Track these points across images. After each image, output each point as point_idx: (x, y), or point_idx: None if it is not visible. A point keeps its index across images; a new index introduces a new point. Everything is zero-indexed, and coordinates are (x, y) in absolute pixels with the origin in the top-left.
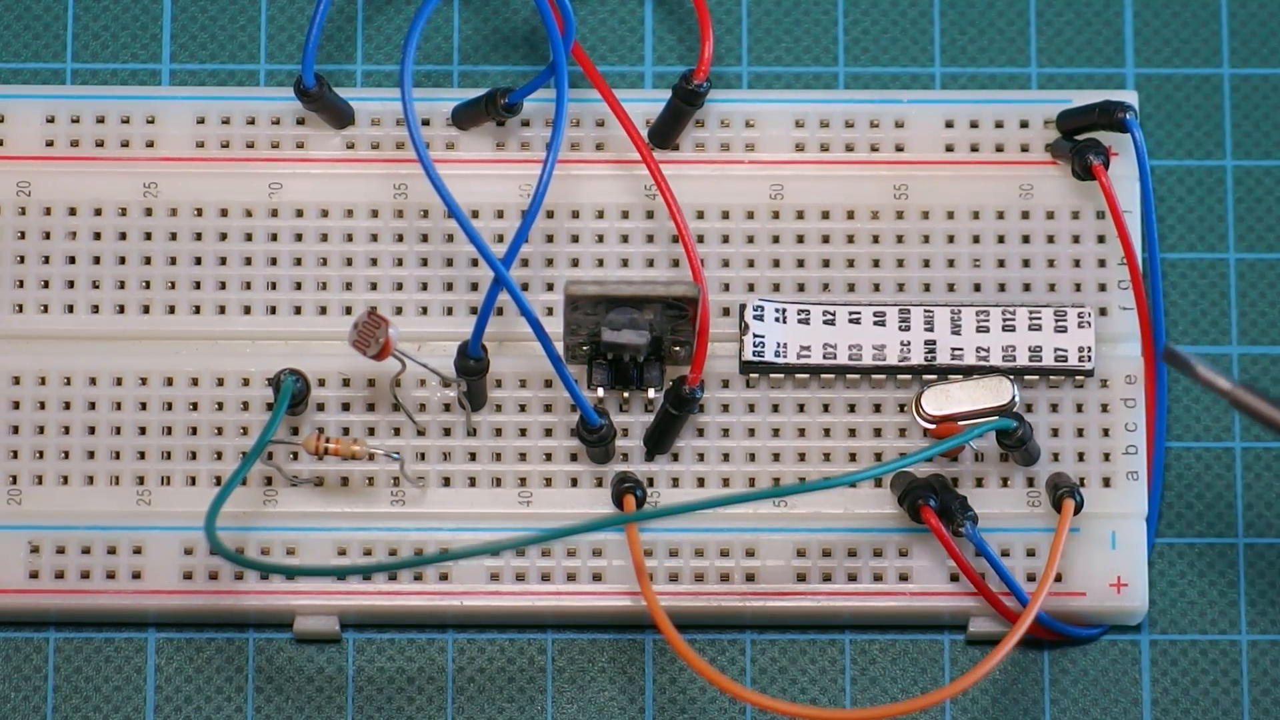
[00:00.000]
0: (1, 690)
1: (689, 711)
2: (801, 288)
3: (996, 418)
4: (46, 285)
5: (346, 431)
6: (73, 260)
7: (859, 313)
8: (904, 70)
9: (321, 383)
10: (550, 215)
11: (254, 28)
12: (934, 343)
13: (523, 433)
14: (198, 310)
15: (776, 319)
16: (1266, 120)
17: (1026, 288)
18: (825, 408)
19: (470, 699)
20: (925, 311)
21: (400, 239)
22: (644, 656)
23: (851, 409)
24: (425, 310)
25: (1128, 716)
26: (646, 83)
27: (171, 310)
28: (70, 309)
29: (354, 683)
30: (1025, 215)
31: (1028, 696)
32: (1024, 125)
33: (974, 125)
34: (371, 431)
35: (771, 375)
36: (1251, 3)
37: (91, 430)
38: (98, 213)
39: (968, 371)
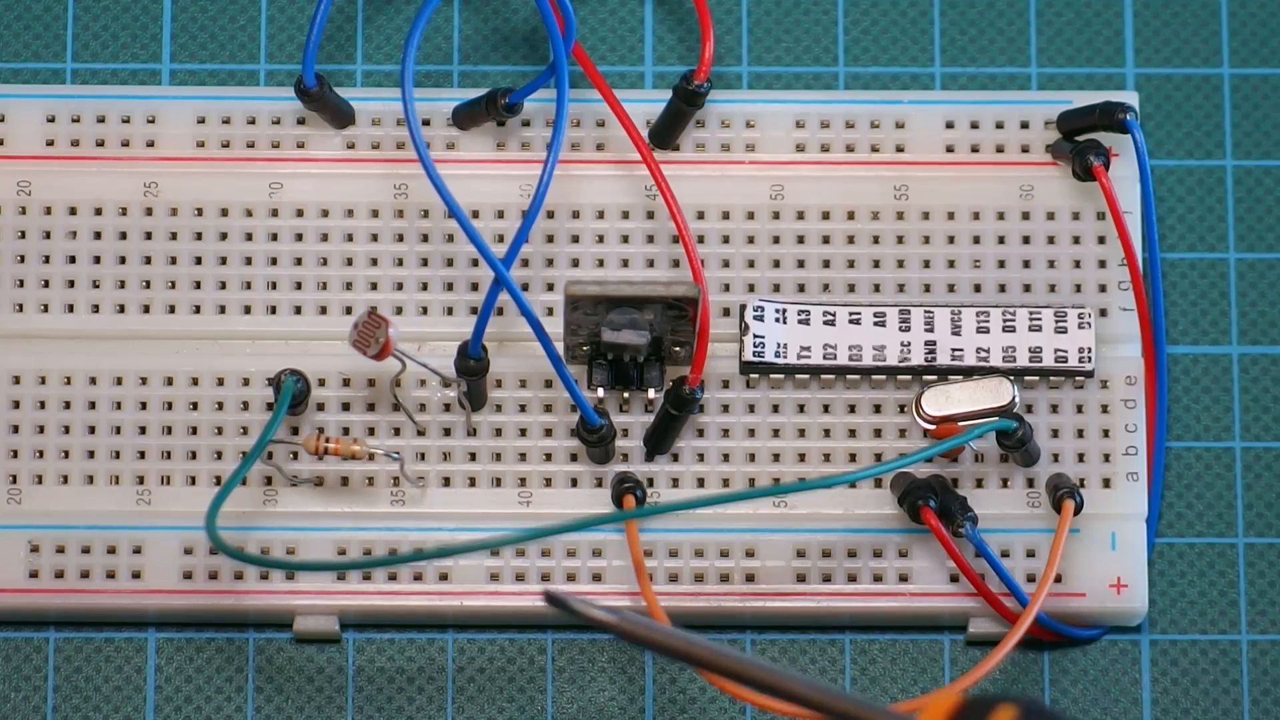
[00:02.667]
0: (1, 690)
1: (689, 711)
2: (802, 288)
3: (996, 418)
4: (47, 285)
5: (346, 431)
6: (73, 260)
7: (859, 313)
8: (904, 70)
9: (322, 383)
10: (550, 215)
11: (254, 28)
12: (934, 343)
13: (523, 433)
14: (198, 310)
15: (777, 319)
16: (1266, 120)
17: (1027, 288)
18: (825, 408)
19: (470, 699)
20: (925, 312)
21: (400, 239)
22: (644, 656)
23: (852, 409)
24: (425, 310)
25: (1128, 716)
26: (646, 83)
27: (172, 310)
28: (70, 308)
29: (354, 683)
30: (1025, 216)
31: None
32: (1024, 126)
33: (974, 126)
34: (371, 431)
35: (772, 376)
36: (1251, 3)
37: (91, 430)
38: (98, 212)
39: (968, 372)
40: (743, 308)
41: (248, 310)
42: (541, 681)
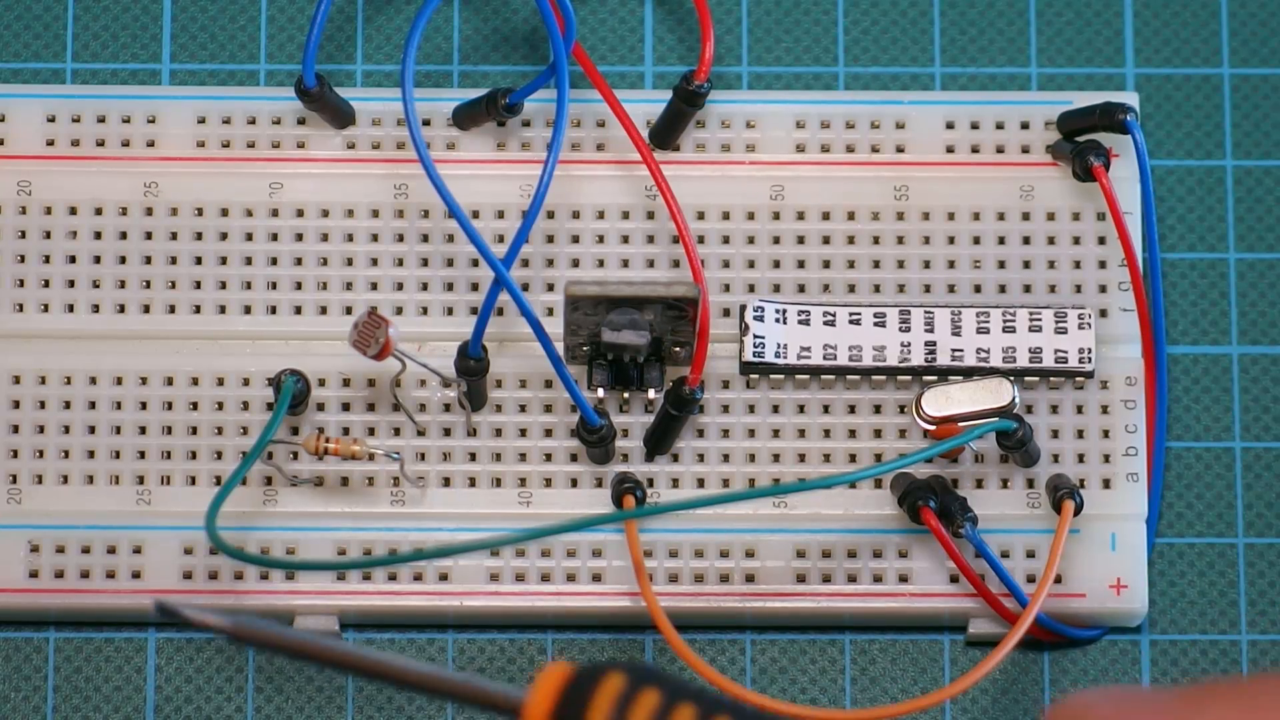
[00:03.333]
0: (1, 690)
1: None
2: (802, 289)
3: (996, 419)
4: (47, 284)
5: (346, 431)
6: (73, 260)
7: (859, 314)
8: (904, 70)
9: (322, 383)
10: (551, 215)
11: (254, 28)
12: (934, 344)
13: (523, 433)
14: (198, 310)
15: (777, 320)
16: (1266, 120)
17: (1027, 289)
18: (825, 409)
19: None
20: (925, 313)
21: (401, 239)
22: (644, 656)
23: (852, 410)
24: (425, 310)
25: None
26: (647, 83)
27: (172, 310)
28: (71, 308)
29: (354, 682)
30: (1026, 216)
31: (1028, 696)
32: (1025, 126)
33: (975, 126)
34: (371, 431)
35: (772, 376)
36: (1251, 3)
37: (91, 430)
38: (98, 212)
39: (968, 373)
40: (743, 308)
41: (248, 310)
42: None
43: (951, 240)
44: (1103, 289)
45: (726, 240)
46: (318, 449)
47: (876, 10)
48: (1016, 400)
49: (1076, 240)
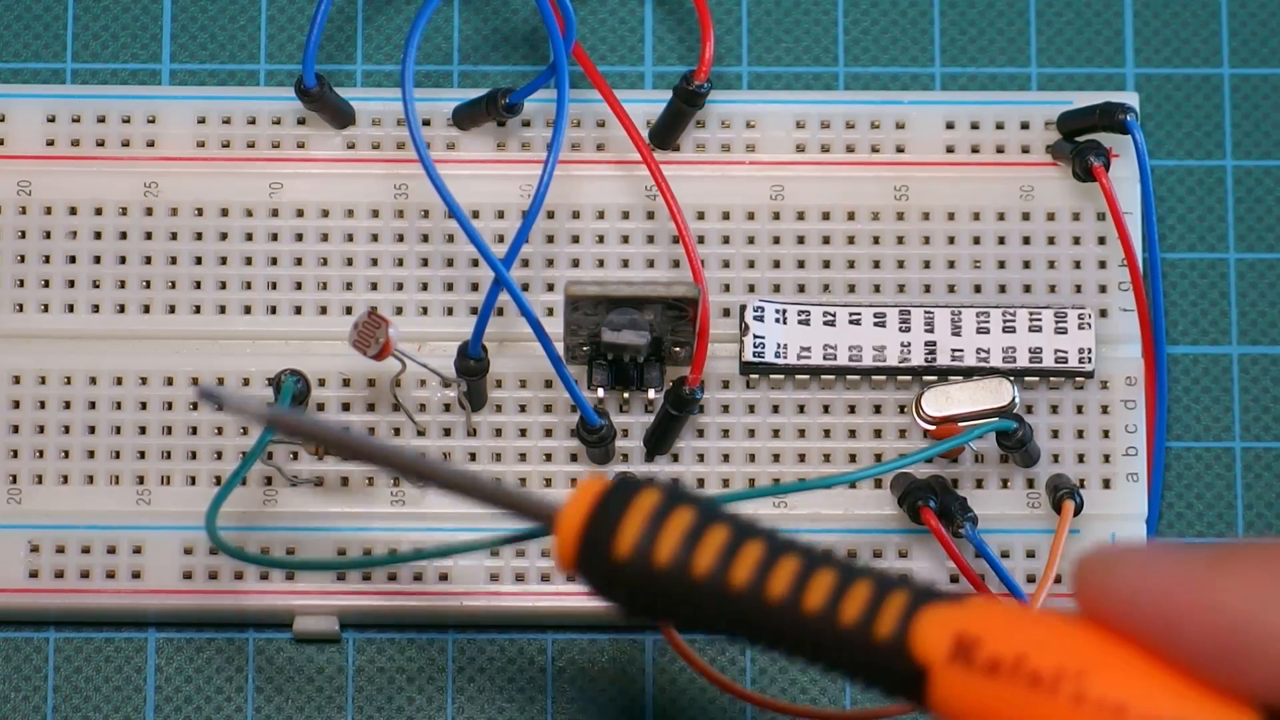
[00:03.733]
0: (1, 690)
1: (689, 711)
2: (802, 289)
3: (996, 419)
4: (47, 285)
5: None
6: (73, 260)
7: (859, 314)
8: (904, 70)
9: (322, 383)
10: (551, 215)
11: (254, 28)
12: (934, 344)
13: (523, 433)
14: (198, 310)
15: (777, 320)
16: (1266, 120)
17: (1027, 289)
18: (825, 409)
19: (470, 699)
20: (925, 313)
21: (401, 239)
22: (644, 656)
23: (852, 410)
24: (425, 310)
25: None
26: (647, 83)
27: (172, 310)
28: (70, 308)
29: (354, 683)
30: (1026, 216)
31: None
32: (1024, 126)
33: (975, 126)
34: (372, 431)
35: (772, 376)
36: (1251, 3)
37: (91, 430)
38: (98, 212)
39: (968, 373)
40: (743, 308)
41: (248, 310)
42: (541, 681)
43: (951, 240)
44: (1103, 289)
45: (726, 240)
46: (318, 449)
47: (876, 10)
48: (1016, 400)
49: (1076, 240)
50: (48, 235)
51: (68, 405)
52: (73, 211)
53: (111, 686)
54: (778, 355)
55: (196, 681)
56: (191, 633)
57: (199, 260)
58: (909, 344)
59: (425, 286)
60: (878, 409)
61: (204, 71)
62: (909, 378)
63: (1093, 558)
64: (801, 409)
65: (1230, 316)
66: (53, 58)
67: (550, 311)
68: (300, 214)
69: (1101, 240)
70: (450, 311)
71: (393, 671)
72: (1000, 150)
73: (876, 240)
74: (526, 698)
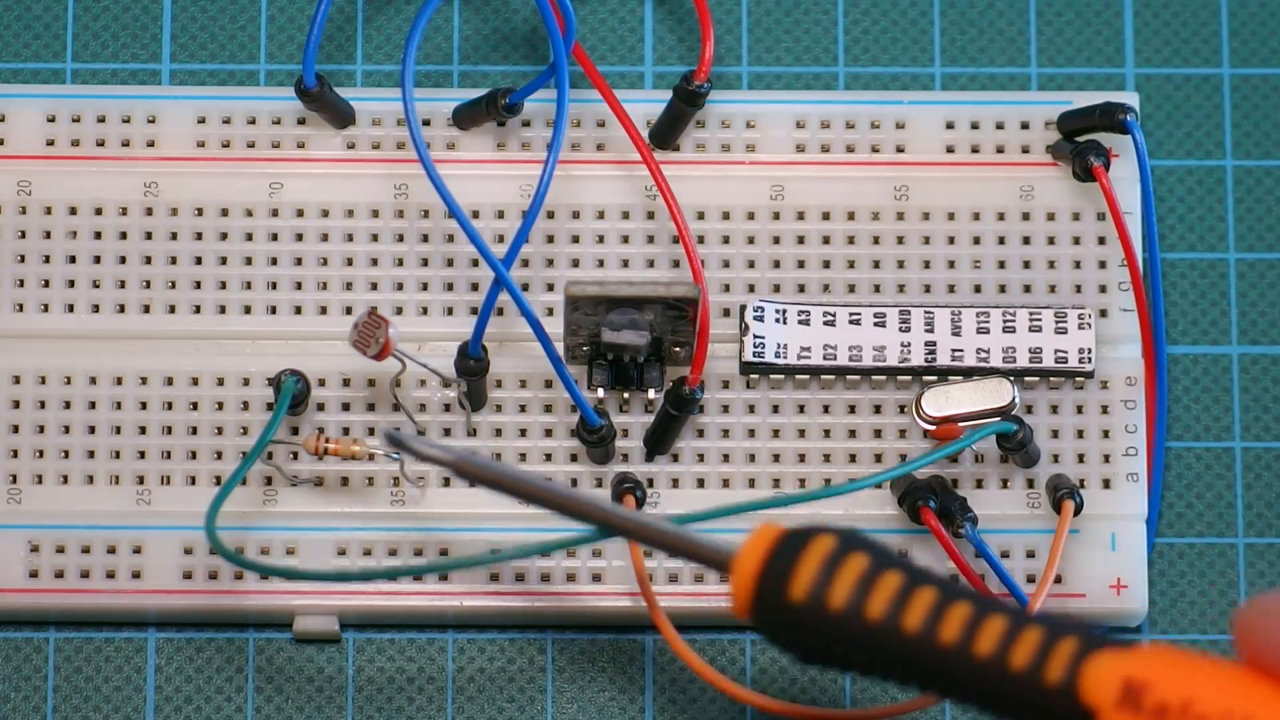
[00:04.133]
0: (1, 690)
1: (689, 711)
2: (802, 289)
3: (997, 420)
4: (47, 284)
5: (346, 431)
6: (73, 260)
7: (859, 314)
8: (904, 70)
9: (322, 383)
10: (551, 215)
11: (254, 28)
12: (934, 344)
13: (523, 433)
14: (198, 310)
15: (777, 320)
16: (1266, 120)
17: (1027, 289)
18: (825, 409)
19: (470, 699)
20: (926, 313)
21: (401, 239)
22: (644, 656)
23: (852, 410)
24: (425, 310)
25: None
26: (647, 83)
27: (172, 310)
28: (70, 308)
29: (354, 683)
30: (1026, 216)
31: None
32: (1025, 126)
33: (975, 126)
34: (371, 431)
35: (772, 376)
36: (1251, 3)
37: (91, 430)
38: (98, 212)
39: (968, 373)
40: (743, 308)
41: (248, 310)
42: (541, 681)
43: (951, 240)
44: (1103, 289)
45: (726, 240)
46: (318, 449)
47: (876, 10)
48: (1016, 400)
49: (1076, 240)
50: (48, 235)
51: (68, 405)
52: (73, 211)
53: (111, 686)
54: (778, 355)
55: (196, 681)
56: (191, 633)
57: (199, 260)
58: (909, 344)
59: (425, 286)
60: (878, 409)
61: (204, 71)
62: (909, 378)
63: (1256, 604)
64: (801, 409)
65: (1230, 316)
66: (53, 58)
67: (550, 311)
68: (300, 214)
69: (1101, 240)
70: (450, 311)
71: (393, 671)
72: (1000, 150)
73: (876, 240)
74: (526, 698)
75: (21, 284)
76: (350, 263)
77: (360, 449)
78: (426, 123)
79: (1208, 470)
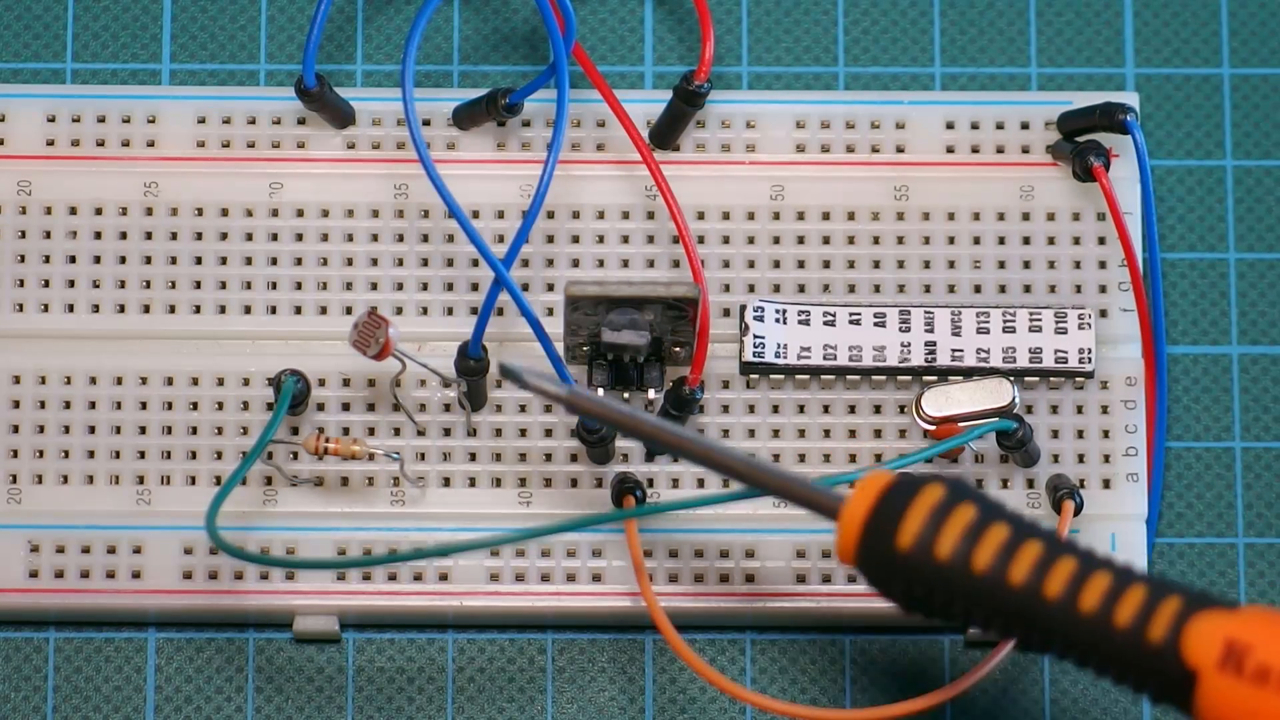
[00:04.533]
0: (1, 690)
1: (689, 711)
2: (802, 289)
3: (996, 419)
4: (47, 284)
5: (346, 431)
6: (73, 260)
7: (859, 314)
8: (904, 70)
9: (322, 383)
10: (551, 216)
11: (254, 27)
12: (934, 344)
13: (523, 433)
14: (198, 310)
15: (777, 320)
16: (1266, 120)
17: (1027, 289)
18: (825, 409)
19: (470, 699)
20: (926, 313)
21: (401, 239)
22: (644, 656)
23: (852, 410)
24: (425, 310)
25: (1128, 716)
26: (647, 83)
27: (172, 310)
28: (71, 308)
29: (354, 683)
30: (1026, 217)
31: (1028, 696)
32: (1025, 126)
33: (975, 126)
34: (371, 431)
35: (772, 376)
36: (1251, 3)
37: (91, 430)
38: (98, 212)
39: (968, 373)
40: (743, 308)
41: (248, 310)
42: (541, 681)
43: (951, 240)
44: (1103, 289)
45: (726, 240)
46: (318, 449)
47: (876, 10)
48: (1016, 400)
49: (1076, 240)
50: (48, 235)
51: (68, 405)
52: (73, 211)
53: (111, 686)
54: (778, 355)
55: (196, 681)
56: (191, 633)
57: (199, 260)
58: (909, 344)
59: (425, 286)
60: (878, 409)
61: (204, 71)
62: (909, 378)
63: None
64: (801, 409)
65: (1230, 316)
66: (53, 58)
67: (550, 311)
68: (300, 214)
69: (1101, 240)
70: (450, 311)
71: (393, 671)
72: (1000, 150)
73: (876, 240)
74: (526, 698)
75: (22, 284)
76: (350, 263)
77: (360, 449)
78: (426, 123)
79: (1208, 470)
